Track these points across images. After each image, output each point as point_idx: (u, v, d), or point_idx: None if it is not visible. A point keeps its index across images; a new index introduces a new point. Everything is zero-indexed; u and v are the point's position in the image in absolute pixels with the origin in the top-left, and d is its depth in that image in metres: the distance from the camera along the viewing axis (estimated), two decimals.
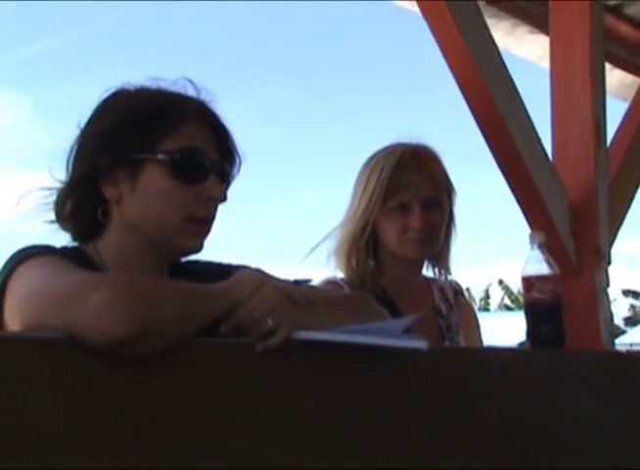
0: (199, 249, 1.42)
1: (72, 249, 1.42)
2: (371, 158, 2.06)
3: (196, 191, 1.38)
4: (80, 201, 1.39)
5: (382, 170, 1.99)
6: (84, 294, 1.07)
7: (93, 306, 1.04)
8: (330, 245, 2.08)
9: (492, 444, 1.55)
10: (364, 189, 2.01)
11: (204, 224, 1.41)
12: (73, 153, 1.40)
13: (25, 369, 1.01)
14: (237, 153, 1.47)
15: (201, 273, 1.39)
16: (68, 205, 1.40)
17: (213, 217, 1.43)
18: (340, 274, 2.07)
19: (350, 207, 2.06)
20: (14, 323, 1.20)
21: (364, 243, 2.03)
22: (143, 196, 1.36)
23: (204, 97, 1.44)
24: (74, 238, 1.44)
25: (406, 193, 1.98)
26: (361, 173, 2.05)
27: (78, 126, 1.42)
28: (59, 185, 1.41)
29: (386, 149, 2.05)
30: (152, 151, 1.36)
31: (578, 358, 1.91)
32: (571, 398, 1.76)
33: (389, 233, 2.01)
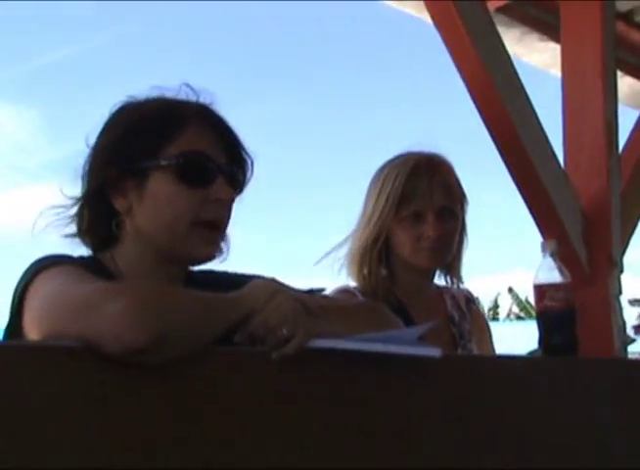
0: (212, 256, 1.42)
1: (89, 258, 1.44)
2: (384, 166, 2.06)
3: (203, 194, 1.38)
4: (95, 214, 1.42)
5: (395, 179, 1.99)
6: (101, 303, 1.08)
7: (110, 316, 1.05)
8: (342, 253, 2.09)
9: (506, 451, 1.54)
10: (377, 197, 2.01)
11: (214, 229, 1.40)
12: (86, 167, 1.43)
13: (45, 378, 1.02)
14: (246, 154, 1.47)
15: (215, 283, 1.39)
16: (85, 218, 1.42)
17: (225, 221, 1.43)
18: (352, 283, 2.08)
19: (363, 215, 2.06)
20: (32, 332, 1.21)
21: (376, 251, 2.03)
22: (150, 204, 1.37)
23: (203, 100, 1.45)
24: (92, 250, 1.46)
25: (420, 202, 1.98)
26: (374, 182, 2.05)
27: (87, 142, 1.44)
28: (70, 200, 1.43)
29: (398, 157, 2.05)
30: (155, 158, 1.37)
31: (592, 366, 1.91)
32: (585, 406, 1.76)
33: (403, 242, 2.01)
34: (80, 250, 1.45)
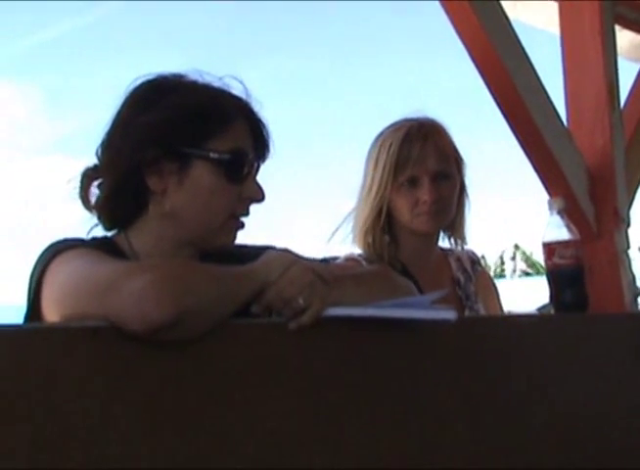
0: (232, 244, 1.46)
1: (102, 239, 1.44)
2: (379, 135, 2.08)
3: (238, 191, 1.41)
4: (121, 190, 1.39)
5: (390, 147, 2.02)
6: (122, 282, 1.10)
7: (132, 294, 1.07)
8: (348, 224, 2.11)
9: (520, 410, 1.57)
10: (375, 166, 2.04)
11: (241, 222, 1.45)
12: (114, 142, 1.40)
13: (69, 358, 1.04)
14: (269, 152, 1.49)
15: (229, 256, 1.41)
16: (106, 193, 1.41)
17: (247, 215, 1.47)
18: (357, 251, 2.11)
19: (363, 185, 2.09)
20: (53, 315, 1.22)
21: (379, 219, 2.06)
22: (191, 191, 1.38)
23: (251, 99, 1.45)
24: (107, 226, 1.45)
25: (414, 167, 2.01)
26: (370, 151, 2.08)
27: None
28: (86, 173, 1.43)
29: (393, 125, 2.08)
30: (202, 148, 1.38)
31: (603, 322, 1.93)
32: (598, 362, 1.78)
33: (401, 208, 2.04)
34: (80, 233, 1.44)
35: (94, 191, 1.45)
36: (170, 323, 1.07)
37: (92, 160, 1.44)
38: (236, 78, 1.45)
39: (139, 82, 1.44)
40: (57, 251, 1.29)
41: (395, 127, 2.06)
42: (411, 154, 2.00)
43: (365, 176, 2.09)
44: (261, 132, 1.45)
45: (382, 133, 2.08)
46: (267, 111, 1.46)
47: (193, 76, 1.44)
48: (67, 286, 1.21)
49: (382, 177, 2.03)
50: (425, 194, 2.00)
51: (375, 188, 2.04)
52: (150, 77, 1.44)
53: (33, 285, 1.28)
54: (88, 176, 1.44)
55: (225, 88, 1.44)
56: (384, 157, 2.02)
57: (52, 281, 1.25)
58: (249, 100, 1.45)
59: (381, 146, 2.04)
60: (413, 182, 2.02)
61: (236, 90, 1.45)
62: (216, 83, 1.44)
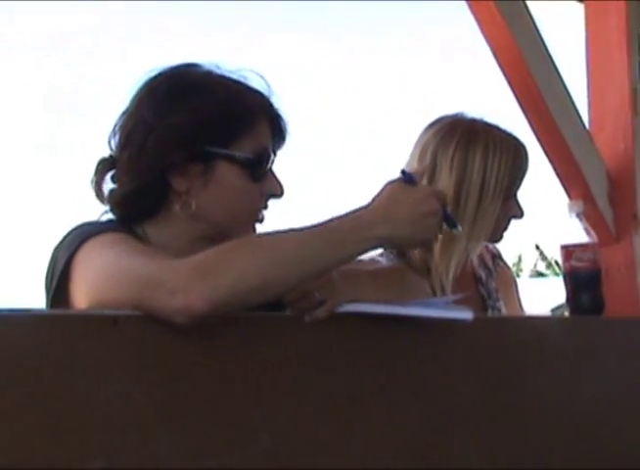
0: None
1: (122, 224, 1.39)
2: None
3: (260, 188, 1.40)
4: (142, 190, 1.36)
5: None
6: (166, 274, 1.12)
7: (177, 287, 1.09)
8: None
9: (536, 411, 1.57)
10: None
11: (261, 216, 1.43)
12: (134, 140, 1.36)
13: (90, 345, 1.06)
14: (285, 144, 1.47)
15: None
16: (125, 190, 1.38)
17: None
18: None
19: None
20: (83, 300, 1.22)
21: None
22: (216, 191, 1.36)
23: (272, 93, 1.43)
24: (122, 219, 1.41)
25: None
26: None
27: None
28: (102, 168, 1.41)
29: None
30: (227, 147, 1.36)
31: (620, 326, 1.92)
32: (614, 365, 1.78)
33: None
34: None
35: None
36: (211, 313, 1.10)
37: None
38: (256, 73, 1.43)
39: (156, 75, 1.41)
40: (87, 234, 1.27)
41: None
42: None
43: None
44: (280, 126, 1.44)
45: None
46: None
47: (209, 67, 1.42)
48: (103, 273, 1.21)
49: None
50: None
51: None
52: (169, 70, 1.41)
53: (60, 267, 1.27)
54: (103, 167, 1.42)
55: (245, 82, 1.42)
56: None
57: (85, 268, 1.24)
58: (269, 94, 1.43)
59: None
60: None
61: (255, 83, 1.43)
62: (235, 77, 1.42)
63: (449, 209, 1.42)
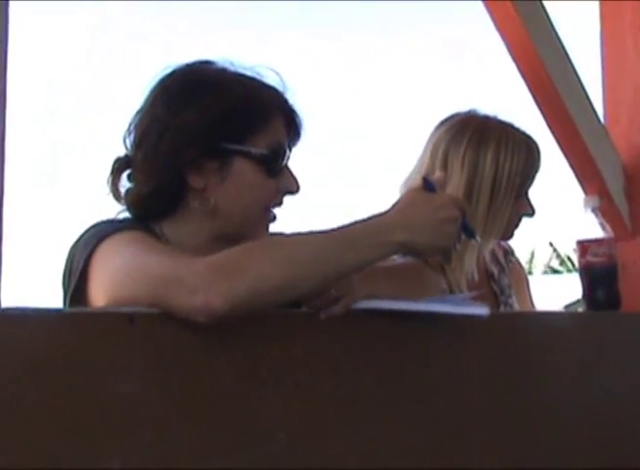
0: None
1: (139, 223, 1.39)
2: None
3: (275, 184, 1.40)
4: (159, 188, 1.36)
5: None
6: (186, 274, 1.11)
7: (197, 287, 1.09)
8: None
9: (550, 407, 1.57)
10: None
11: (274, 214, 1.43)
12: (149, 139, 1.36)
13: (106, 343, 1.06)
14: (300, 139, 1.47)
15: None
16: (141, 190, 1.37)
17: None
18: None
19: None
20: (101, 299, 1.22)
21: None
22: (232, 187, 1.36)
23: (287, 90, 1.43)
24: (139, 218, 1.41)
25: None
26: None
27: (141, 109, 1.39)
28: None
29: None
30: (243, 144, 1.36)
31: (636, 321, 1.92)
32: (630, 361, 1.78)
33: None
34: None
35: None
36: (233, 312, 1.10)
37: None
38: (271, 69, 1.43)
39: (171, 73, 1.41)
40: (104, 233, 1.27)
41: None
42: None
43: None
44: (295, 122, 1.44)
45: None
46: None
47: (223, 64, 1.41)
48: (121, 271, 1.21)
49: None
50: None
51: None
52: (183, 68, 1.41)
53: (78, 267, 1.27)
54: (119, 167, 1.41)
55: (259, 78, 1.42)
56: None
57: (103, 267, 1.24)
58: (284, 90, 1.43)
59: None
60: None
61: (270, 80, 1.42)
62: (250, 73, 1.42)
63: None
